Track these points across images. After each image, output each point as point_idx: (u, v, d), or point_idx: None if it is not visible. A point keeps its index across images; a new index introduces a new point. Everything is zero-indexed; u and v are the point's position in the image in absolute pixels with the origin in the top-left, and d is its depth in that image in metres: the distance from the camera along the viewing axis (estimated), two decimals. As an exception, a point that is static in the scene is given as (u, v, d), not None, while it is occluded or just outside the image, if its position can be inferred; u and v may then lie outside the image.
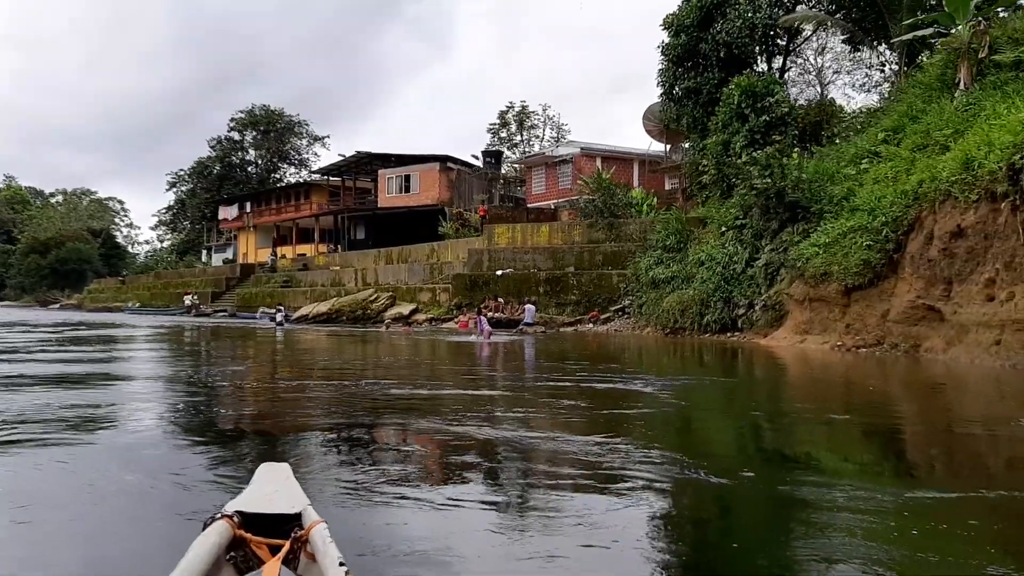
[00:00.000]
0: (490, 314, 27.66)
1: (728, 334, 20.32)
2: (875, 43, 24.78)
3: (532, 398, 8.84)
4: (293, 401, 8.44)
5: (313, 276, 42.86)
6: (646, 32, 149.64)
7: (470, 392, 9.43)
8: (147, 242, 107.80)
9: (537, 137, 73.97)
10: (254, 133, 79.45)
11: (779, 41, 25.86)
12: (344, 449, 5.78)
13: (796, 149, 19.99)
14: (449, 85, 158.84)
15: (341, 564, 2.10)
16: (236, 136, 79.96)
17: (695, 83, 25.43)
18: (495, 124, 73.46)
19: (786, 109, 22.12)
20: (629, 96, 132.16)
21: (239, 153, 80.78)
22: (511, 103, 73.18)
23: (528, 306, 23.93)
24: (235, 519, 2.37)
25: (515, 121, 73.95)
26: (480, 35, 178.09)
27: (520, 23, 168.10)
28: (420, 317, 30.01)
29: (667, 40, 26.18)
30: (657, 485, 4.59)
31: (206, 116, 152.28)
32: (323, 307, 33.03)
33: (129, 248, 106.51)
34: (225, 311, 45.01)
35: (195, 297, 47.34)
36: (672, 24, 25.71)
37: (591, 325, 26.02)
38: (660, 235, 24.62)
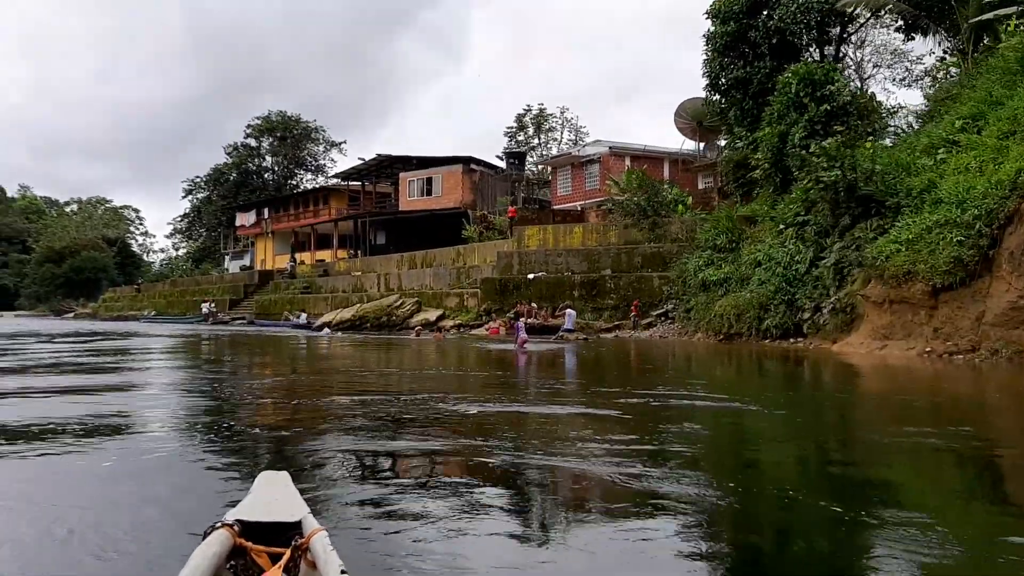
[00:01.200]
0: (526, 320, 26.26)
1: (791, 340, 18.67)
2: (936, 28, 23.09)
3: (614, 419, 7.28)
4: (344, 419, 6.93)
5: (334, 282, 41.46)
6: (654, 36, 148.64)
7: (540, 410, 7.88)
8: (162, 250, 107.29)
9: (555, 140, 72.61)
10: (271, 139, 78.53)
11: (830, 29, 24.19)
12: (414, 486, 4.25)
13: (871, 138, 18.36)
14: (462, 92, 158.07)
15: (343, 572, 2.13)
16: (253, 142, 79.10)
17: (744, 73, 23.84)
18: (512, 127, 72.23)
19: (848, 98, 20.50)
20: (638, 100, 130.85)
21: (256, 160, 79.86)
22: (528, 106, 71.82)
23: (568, 311, 22.35)
24: (235, 528, 2.41)
25: (533, 124, 72.68)
26: (492, 42, 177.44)
27: (530, 30, 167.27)
28: (447, 323, 28.49)
29: (712, 29, 24.59)
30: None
31: (220, 125, 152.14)
32: (347, 313, 31.58)
33: (144, 256, 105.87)
34: (243, 318, 43.68)
35: (213, 304, 46.04)
36: (719, 12, 24.14)
37: (632, 331, 24.43)
38: (709, 234, 23.01)
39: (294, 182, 78.11)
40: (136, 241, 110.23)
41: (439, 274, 33.53)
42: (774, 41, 23.23)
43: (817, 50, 24.33)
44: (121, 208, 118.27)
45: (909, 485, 4.87)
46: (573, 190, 42.63)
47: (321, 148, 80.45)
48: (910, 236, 15.66)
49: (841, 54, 23.79)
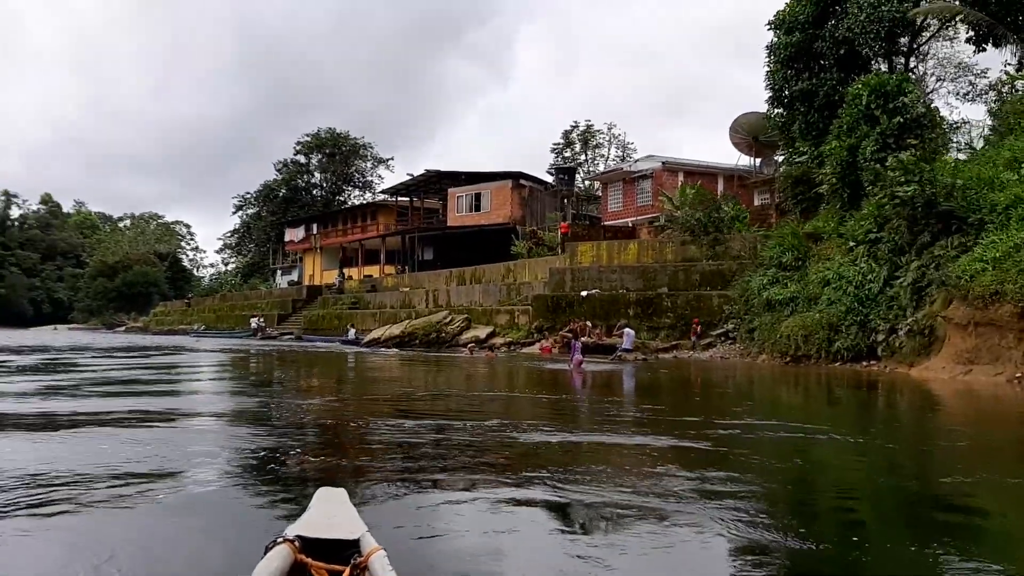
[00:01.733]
0: (582, 339, 25.62)
1: (864, 363, 17.76)
2: (1013, 38, 22.06)
3: (711, 453, 6.65)
4: (410, 449, 6.42)
5: (382, 298, 41.28)
6: (701, 52, 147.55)
7: (625, 440, 7.29)
8: (212, 265, 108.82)
9: (602, 156, 72.09)
10: (320, 156, 79.27)
11: (899, 40, 23.26)
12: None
13: (952, 152, 17.48)
14: (506, 108, 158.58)
15: None
16: (302, 159, 79.94)
17: (809, 85, 23.02)
18: (559, 144, 71.91)
19: (922, 110, 19.62)
20: (685, 117, 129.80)
21: (304, 176, 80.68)
22: (575, 122, 71.50)
23: (627, 330, 21.64)
24: (296, 544, 2.42)
25: (580, 140, 72.32)
26: (537, 59, 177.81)
27: (576, 46, 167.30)
28: (497, 341, 27.95)
29: (776, 39, 23.84)
30: None
31: (268, 141, 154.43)
32: (395, 330, 31.26)
33: (194, 271, 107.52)
34: (291, 334, 43.72)
35: (262, 319, 46.24)
36: (783, 22, 23.39)
37: (691, 352, 23.63)
38: (774, 252, 22.17)
39: (342, 198, 78.67)
40: (187, 256, 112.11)
41: (488, 290, 33.08)
42: (841, 52, 22.41)
43: (884, 62, 23.42)
44: (173, 223, 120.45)
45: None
46: (624, 206, 41.94)
47: (369, 164, 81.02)
48: (997, 254, 14.76)
49: (913, 66, 22.83)
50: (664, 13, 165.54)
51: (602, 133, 72.35)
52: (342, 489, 3.20)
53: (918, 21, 22.66)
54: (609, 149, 72.45)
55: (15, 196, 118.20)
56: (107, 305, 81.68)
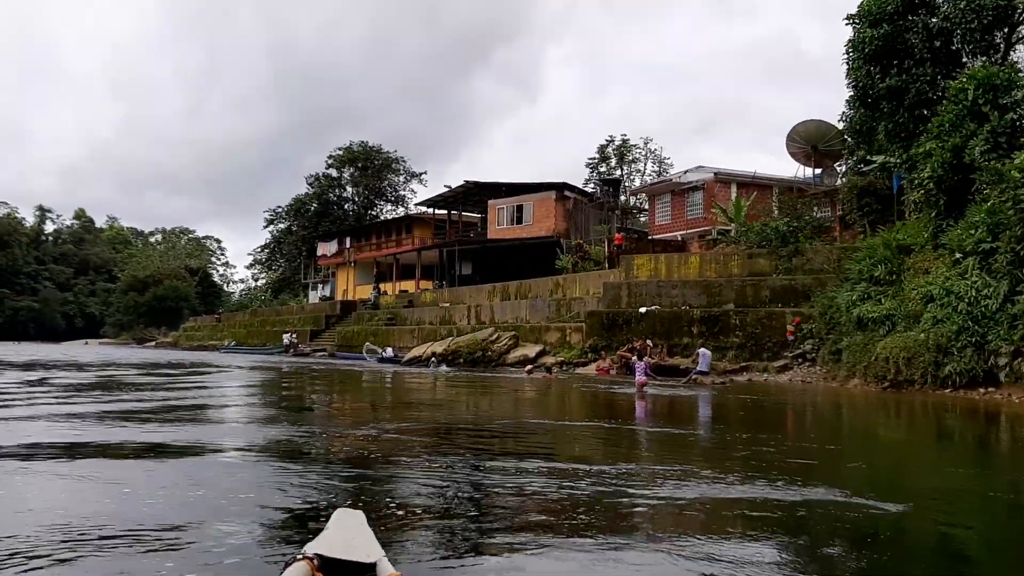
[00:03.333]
0: (644, 359, 23.64)
1: (981, 390, 15.57)
2: None
3: (921, 518, 4.68)
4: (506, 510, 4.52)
5: (420, 313, 39.51)
6: (729, 73, 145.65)
7: (777, 495, 5.32)
8: (242, 281, 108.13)
9: (638, 172, 70.27)
10: (352, 170, 78.13)
11: (1000, 30, 21.11)
12: None
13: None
14: (534, 129, 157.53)
15: None
16: (334, 173, 78.83)
17: (898, 82, 20.92)
18: (594, 158, 70.28)
19: (1037, 105, 17.46)
20: (715, 135, 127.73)
21: (336, 190, 79.56)
22: (611, 136, 69.79)
23: (703, 351, 19.62)
24: (315, 561, 2.47)
25: (616, 155, 70.64)
26: (566, 78, 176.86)
27: (603, 67, 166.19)
28: (548, 360, 25.98)
29: (858, 33, 21.81)
30: None
31: (299, 160, 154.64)
32: (438, 347, 29.45)
33: (224, 287, 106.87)
34: (324, 350, 42.13)
35: (294, 335, 44.72)
36: (868, 13, 21.35)
37: (765, 375, 21.55)
38: (863, 265, 20.05)
39: (374, 212, 77.40)
40: (217, 271, 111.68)
41: (536, 306, 31.16)
42: (936, 45, 20.37)
43: (980, 57, 21.30)
44: (204, 238, 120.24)
45: None
46: (673, 219, 39.94)
47: (401, 179, 79.76)
48: None
49: (1015, 60, 20.70)
50: (692, 35, 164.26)
51: (638, 148, 70.71)
52: (360, 512, 3.22)
53: (1019, 12, 20.54)
54: (645, 164, 70.78)
55: (49, 211, 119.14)
56: (137, 320, 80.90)
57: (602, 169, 68.64)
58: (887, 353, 17.49)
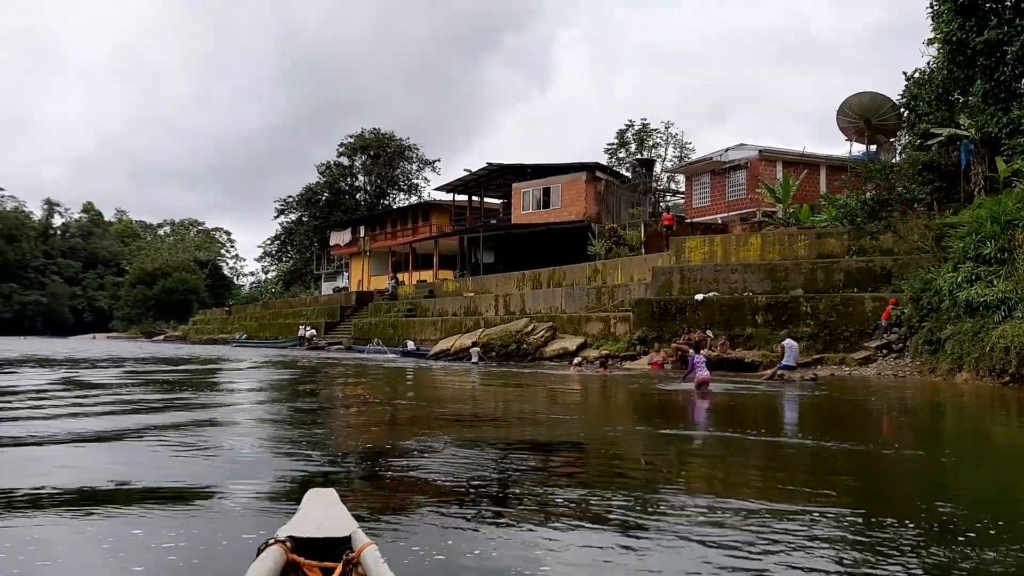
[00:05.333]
0: (703, 351, 21.08)
1: None
2: None
3: None
4: None
5: (442, 304, 37.02)
6: (742, 57, 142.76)
7: None
8: (252, 274, 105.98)
9: (659, 157, 67.65)
10: (364, 157, 75.68)
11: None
12: None
13: None
14: (546, 115, 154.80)
15: None
16: (345, 161, 76.38)
17: (999, 35, 18.25)
18: (612, 143, 67.66)
19: None
20: (727, 123, 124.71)
21: (348, 179, 77.11)
22: (631, 121, 67.01)
23: (789, 342, 16.98)
24: (288, 544, 2.41)
25: (635, 140, 68.07)
26: (577, 64, 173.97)
27: (615, 52, 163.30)
28: (591, 353, 23.45)
29: (950, -20, 19.17)
30: None
31: (308, 150, 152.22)
32: (466, 340, 26.99)
33: (235, 280, 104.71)
34: (340, 343, 39.74)
35: (310, 328, 42.35)
36: (962, -43, 18.73)
37: (846, 369, 18.99)
38: (967, 242, 17.42)
39: (386, 202, 74.98)
40: (227, 264, 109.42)
41: (572, 295, 28.61)
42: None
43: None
44: (213, 230, 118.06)
45: None
46: (712, 201, 37.26)
47: (414, 167, 77.31)
48: None
49: None
50: (704, 19, 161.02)
51: (659, 132, 68.12)
52: (332, 489, 3.14)
53: None
54: (667, 149, 68.17)
55: (57, 205, 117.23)
56: (146, 313, 78.68)
57: (621, 155, 66.12)
58: (1007, 342, 14.91)
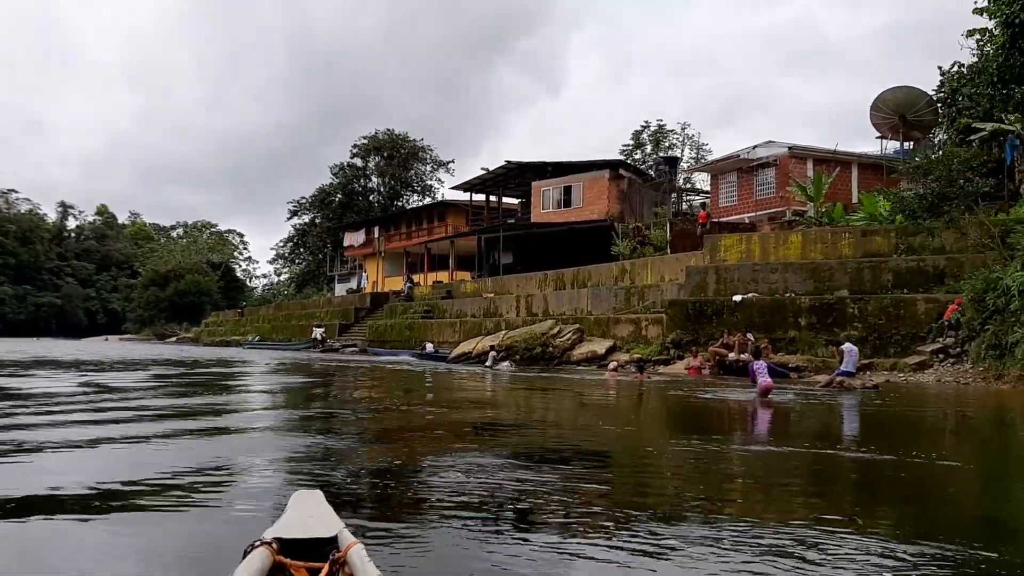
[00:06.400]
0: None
1: None
2: None
3: None
4: None
5: (460, 305, 35.88)
6: (752, 61, 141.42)
7: None
8: (264, 276, 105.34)
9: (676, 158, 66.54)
10: (377, 159, 74.78)
11: None
12: None
13: None
14: (556, 118, 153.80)
15: None
16: (359, 162, 75.49)
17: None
18: (628, 145, 66.70)
19: None
20: (737, 126, 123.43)
21: (361, 180, 76.22)
22: (646, 122, 66.01)
23: (848, 347, 15.67)
24: (274, 545, 2.38)
25: (651, 141, 67.08)
26: (588, 67, 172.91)
27: (626, 55, 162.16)
28: (621, 357, 22.24)
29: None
30: None
31: (319, 152, 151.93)
32: (487, 343, 25.80)
33: (247, 282, 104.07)
34: (355, 345, 38.67)
35: (323, 330, 41.35)
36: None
37: (900, 375, 17.69)
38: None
39: (400, 203, 74.03)
40: (240, 266, 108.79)
41: (599, 295, 27.40)
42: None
43: None
44: (226, 232, 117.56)
45: None
46: (739, 200, 35.97)
47: (428, 168, 76.35)
48: None
49: None
50: (714, 23, 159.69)
51: (675, 133, 67.15)
52: (318, 491, 3.11)
53: None
54: (683, 150, 67.12)
55: (71, 207, 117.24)
56: (159, 315, 78.03)
57: (636, 156, 65.05)
58: (1090, 348, 13.64)
